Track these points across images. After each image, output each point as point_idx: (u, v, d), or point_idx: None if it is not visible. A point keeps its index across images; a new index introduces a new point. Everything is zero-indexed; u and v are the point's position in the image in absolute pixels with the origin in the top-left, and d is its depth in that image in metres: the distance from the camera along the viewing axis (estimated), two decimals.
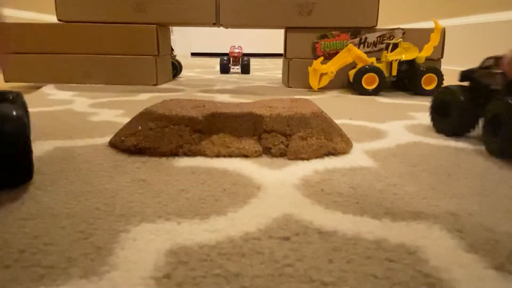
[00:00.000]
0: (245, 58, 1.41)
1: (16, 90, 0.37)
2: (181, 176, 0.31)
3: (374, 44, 0.89)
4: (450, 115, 0.44)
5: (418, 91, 0.81)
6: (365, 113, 0.59)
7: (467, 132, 0.44)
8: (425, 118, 0.56)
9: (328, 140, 0.37)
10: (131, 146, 0.36)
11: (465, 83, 0.44)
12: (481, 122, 0.41)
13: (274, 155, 0.36)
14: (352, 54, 0.81)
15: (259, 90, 0.89)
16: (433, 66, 0.81)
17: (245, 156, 0.36)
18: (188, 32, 3.03)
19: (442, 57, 0.90)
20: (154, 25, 0.88)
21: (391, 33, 0.88)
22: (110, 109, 0.59)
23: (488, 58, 0.42)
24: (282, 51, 0.98)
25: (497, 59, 0.40)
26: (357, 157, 0.36)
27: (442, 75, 0.81)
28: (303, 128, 0.36)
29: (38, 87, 0.83)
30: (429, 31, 0.84)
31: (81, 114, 0.55)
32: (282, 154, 0.36)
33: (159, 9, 0.89)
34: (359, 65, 0.81)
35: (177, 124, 0.36)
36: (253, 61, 1.79)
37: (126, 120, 0.43)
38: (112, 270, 0.18)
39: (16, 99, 0.32)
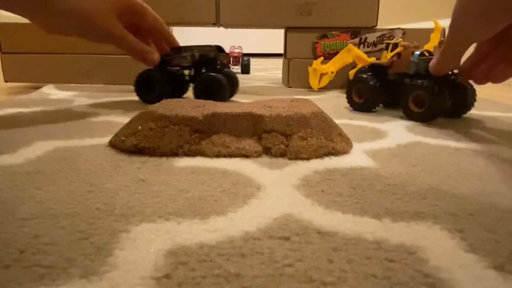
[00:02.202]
0: (245, 58, 1.42)
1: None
2: (181, 176, 0.31)
3: (374, 44, 0.89)
4: (363, 96, 0.59)
5: None
6: (365, 113, 0.59)
7: (373, 109, 0.60)
8: None
9: (328, 140, 0.37)
10: (131, 146, 0.36)
11: None
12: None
13: (274, 155, 0.36)
14: (352, 54, 0.81)
15: (259, 90, 0.89)
16: None
17: (245, 156, 0.36)
18: (188, 32, 3.03)
19: None
20: None
21: (391, 33, 0.88)
22: (110, 109, 0.59)
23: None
24: (282, 51, 0.98)
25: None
26: (357, 157, 0.36)
27: None
28: (303, 128, 0.36)
29: (38, 87, 0.83)
30: (429, 31, 0.84)
31: (81, 114, 0.55)
32: (282, 154, 0.36)
33: (159, 9, 0.88)
34: (359, 65, 0.81)
35: (177, 124, 0.36)
36: (253, 61, 1.79)
37: (126, 120, 0.43)
38: (112, 270, 0.18)
39: None
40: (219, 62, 0.66)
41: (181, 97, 0.67)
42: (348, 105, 0.62)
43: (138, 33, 0.56)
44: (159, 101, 0.61)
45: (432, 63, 0.48)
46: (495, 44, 0.44)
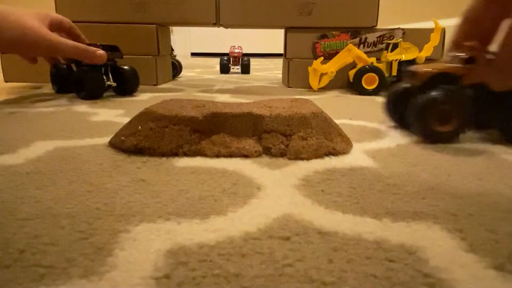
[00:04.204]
0: (245, 58, 1.42)
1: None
2: (181, 176, 0.31)
3: (374, 44, 0.89)
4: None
5: None
6: (365, 113, 0.59)
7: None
8: None
9: (328, 140, 0.37)
10: (131, 146, 0.36)
11: None
12: None
13: (274, 155, 0.36)
14: (352, 54, 0.81)
15: (259, 90, 0.89)
16: None
17: (245, 156, 0.36)
18: (188, 32, 3.03)
19: (442, 57, 0.90)
20: (154, 25, 0.88)
21: (391, 33, 0.88)
22: (110, 109, 0.59)
23: None
24: (282, 51, 0.98)
25: None
26: (357, 157, 0.36)
27: None
28: (303, 128, 0.36)
29: (38, 87, 0.83)
30: (429, 31, 0.84)
31: (81, 114, 0.55)
32: (282, 154, 0.36)
33: (159, 9, 0.89)
34: (359, 65, 0.81)
35: (177, 124, 0.36)
36: (253, 61, 1.79)
37: (126, 120, 0.43)
38: (112, 270, 0.18)
39: None
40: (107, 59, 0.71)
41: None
42: (348, 104, 0.62)
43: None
44: (67, 91, 0.74)
45: (498, 78, 0.35)
46: None
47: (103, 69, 0.70)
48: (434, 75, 0.42)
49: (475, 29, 0.38)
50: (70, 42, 0.59)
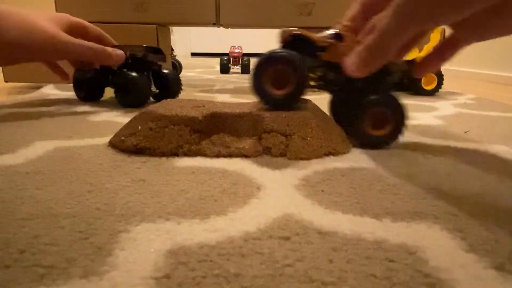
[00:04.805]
0: (245, 58, 1.42)
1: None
2: (181, 176, 0.31)
3: None
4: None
5: (418, 91, 0.81)
6: None
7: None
8: (425, 118, 0.56)
9: (328, 140, 0.37)
10: (131, 146, 0.36)
11: None
12: None
13: (274, 155, 0.36)
14: None
15: None
16: None
17: (245, 156, 0.36)
18: (188, 32, 3.03)
19: None
20: (154, 25, 0.88)
21: None
22: (110, 109, 0.59)
23: None
24: None
25: None
26: (357, 157, 0.36)
27: (442, 75, 0.81)
28: (303, 128, 0.36)
29: (38, 87, 0.83)
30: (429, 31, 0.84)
31: (81, 114, 0.55)
32: (282, 154, 0.36)
33: (159, 9, 0.89)
34: None
35: (177, 124, 0.36)
36: (253, 61, 1.79)
37: (126, 120, 0.43)
38: (112, 270, 0.18)
39: None
40: (152, 62, 0.64)
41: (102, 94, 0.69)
42: None
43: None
44: (94, 97, 0.67)
45: (352, 61, 0.32)
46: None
47: (145, 73, 0.62)
48: (296, 37, 0.38)
49: (364, 14, 0.37)
50: (85, 42, 0.53)
